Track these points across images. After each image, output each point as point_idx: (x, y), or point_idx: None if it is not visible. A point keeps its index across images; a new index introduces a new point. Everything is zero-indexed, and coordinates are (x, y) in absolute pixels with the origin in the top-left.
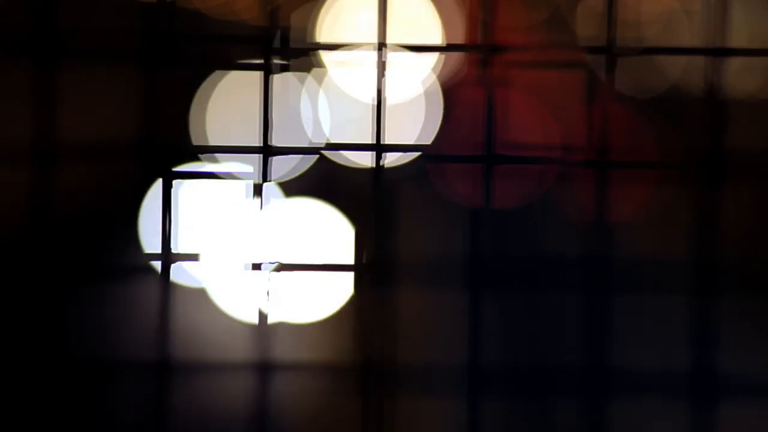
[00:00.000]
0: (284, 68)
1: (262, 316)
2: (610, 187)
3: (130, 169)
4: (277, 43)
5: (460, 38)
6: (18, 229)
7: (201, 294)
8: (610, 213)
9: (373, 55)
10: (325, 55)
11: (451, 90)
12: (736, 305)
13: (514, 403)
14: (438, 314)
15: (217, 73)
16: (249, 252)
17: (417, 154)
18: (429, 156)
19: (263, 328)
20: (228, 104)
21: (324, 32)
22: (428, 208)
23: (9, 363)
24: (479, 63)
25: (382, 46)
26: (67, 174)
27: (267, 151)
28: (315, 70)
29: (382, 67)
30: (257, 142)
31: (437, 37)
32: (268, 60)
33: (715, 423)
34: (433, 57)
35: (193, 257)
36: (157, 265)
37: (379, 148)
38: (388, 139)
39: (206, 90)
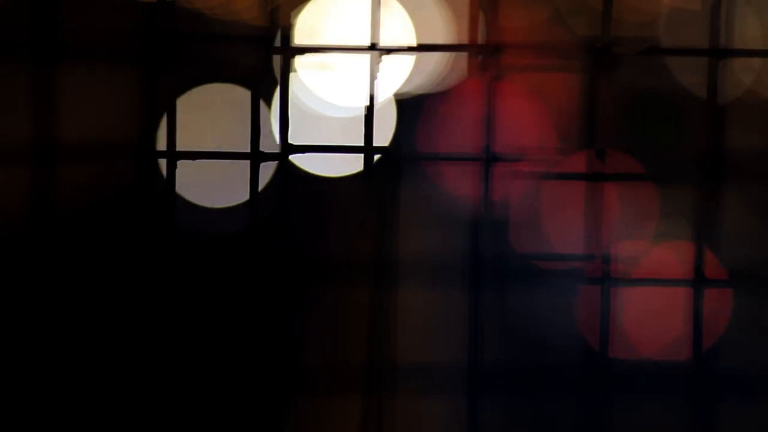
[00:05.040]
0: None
1: None
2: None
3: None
4: (276, 44)
5: (456, 39)
6: (18, 228)
7: None
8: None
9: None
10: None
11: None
12: (736, 304)
13: (514, 403)
14: (438, 314)
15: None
16: None
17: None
18: (427, 155)
19: None
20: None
21: (311, 32)
22: (428, 207)
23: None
24: (479, 63)
25: (374, 46)
26: (67, 174)
27: (256, 156)
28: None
29: (375, 68)
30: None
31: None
32: (263, 64)
33: (715, 422)
34: (416, 58)
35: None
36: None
37: (370, 149)
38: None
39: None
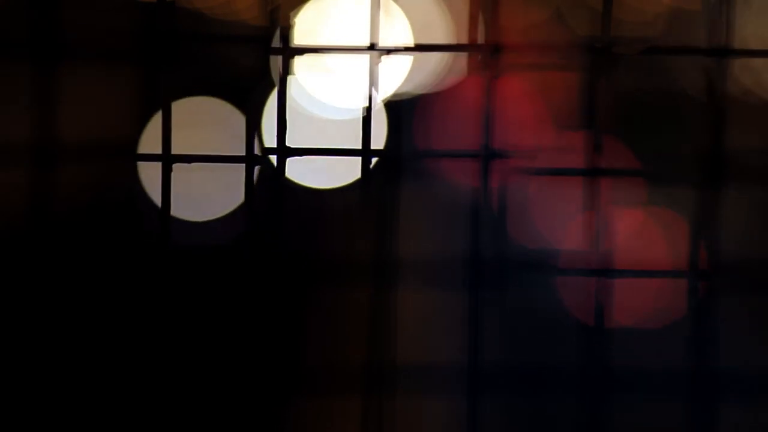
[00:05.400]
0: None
1: None
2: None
3: None
4: (276, 43)
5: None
6: (18, 228)
7: None
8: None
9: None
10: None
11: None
12: (736, 305)
13: (514, 403)
14: (438, 314)
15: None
16: None
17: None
18: (427, 152)
19: None
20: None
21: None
22: (428, 208)
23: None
24: (478, 63)
25: (373, 46)
26: (67, 174)
27: (283, 152)
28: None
29: (374, 68)
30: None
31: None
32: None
33: (715, 423)
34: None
35: None
36: None
37: (366, 152)
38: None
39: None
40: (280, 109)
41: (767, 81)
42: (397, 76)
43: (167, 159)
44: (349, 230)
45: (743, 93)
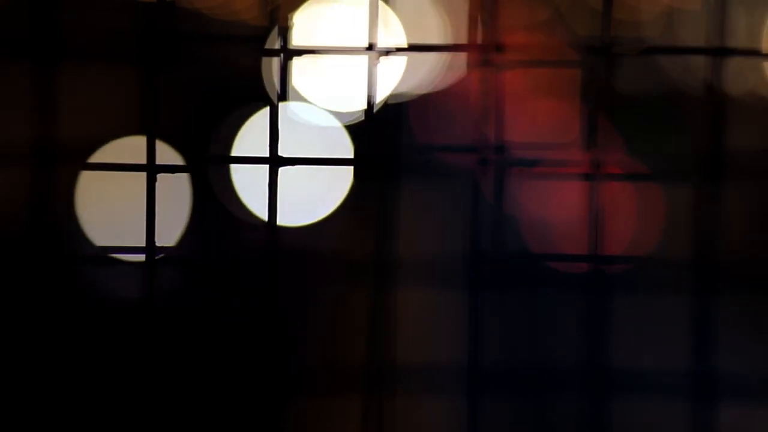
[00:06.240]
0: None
1: None
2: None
3: None
4: (275, 44)
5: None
6: (18, 229)
7: None
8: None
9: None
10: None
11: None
12: (736, 305)
13: (514, 403)
14: (438, 314)
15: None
16: None
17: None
18: (428, 148)
19: None
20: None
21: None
22: (428, 207)
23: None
24: (477, 63)
25: (372, 47)
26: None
27: (275, 161)
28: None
29: (372, 69)
30: None
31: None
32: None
33: (714, 423)
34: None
35: None
36: None
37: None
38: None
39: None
40: (272, 115)
41: (767, 81)
42: (390, 78)
43: (152, 169)
44: (348, 231)
45: (743, 93)
